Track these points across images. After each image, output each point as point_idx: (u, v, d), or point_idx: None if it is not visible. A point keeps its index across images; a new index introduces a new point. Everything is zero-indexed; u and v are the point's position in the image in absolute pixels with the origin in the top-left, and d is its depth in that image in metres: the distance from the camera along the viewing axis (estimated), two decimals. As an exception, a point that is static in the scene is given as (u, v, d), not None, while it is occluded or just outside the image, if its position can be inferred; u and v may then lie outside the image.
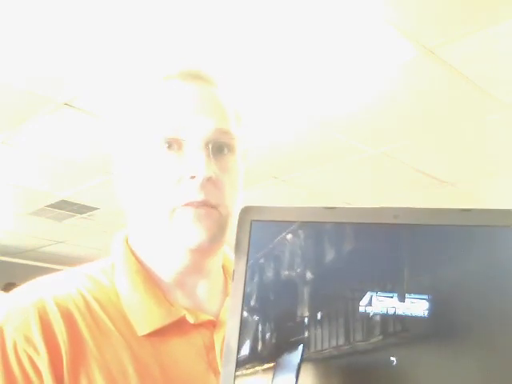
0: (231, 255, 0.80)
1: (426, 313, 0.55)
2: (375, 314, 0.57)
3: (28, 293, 0.71)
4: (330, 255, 0.61)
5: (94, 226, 5.27)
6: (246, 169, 0.79)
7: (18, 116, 3.10)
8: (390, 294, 0.56)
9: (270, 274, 0.63)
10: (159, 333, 0.71)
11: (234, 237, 0.66)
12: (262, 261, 0.63)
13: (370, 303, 0.57)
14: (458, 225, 0.56)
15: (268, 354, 0.60)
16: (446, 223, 0.57)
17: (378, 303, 0.57)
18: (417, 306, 0.55)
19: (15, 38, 2.37)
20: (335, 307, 0.59)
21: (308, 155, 3.54)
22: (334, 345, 0.58)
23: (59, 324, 0.67)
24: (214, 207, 0.71)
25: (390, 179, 3.91)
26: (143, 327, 0.71)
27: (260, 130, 3.12)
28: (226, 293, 0.81)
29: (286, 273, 0.62)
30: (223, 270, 0.83)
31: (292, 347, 0.59)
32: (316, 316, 0.59)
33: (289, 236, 0.63)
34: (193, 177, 0.69)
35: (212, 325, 0.75)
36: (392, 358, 0.55)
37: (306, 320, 0.59)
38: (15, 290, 0.73)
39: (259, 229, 0.64)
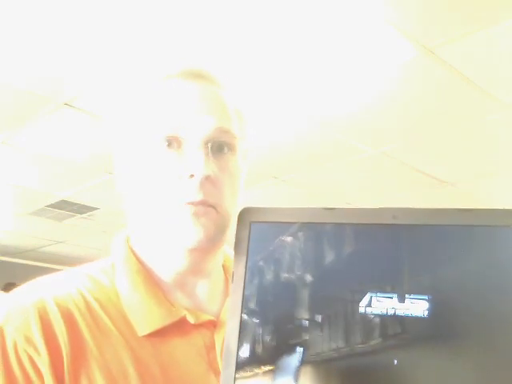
0: (232, 255, 0.80)
1: (426, 313, 0.55)
2: (375, 315, 0.56)
3: (28, 293, 0.71)
4: (329, 256, 0.61)
5: (94, 226, 5.27)
6: (246, 169, 0.79)
7: (18, 116, 3.10)
8: (390, 295, 0.56)
9: (269, 275, 0.63)
10: (159, 333, 0.71)
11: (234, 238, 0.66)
12: (261, 262, 0.63)
13: (369, 304, 0.57)
14: (458, 225, 0.56)
15: (268, 357, 0.60)
16: (446, 223, 0.57)
17: (378, 304, 0.56)
18: (417, 307, 0.55)
19: (15, 37, 2.37)
20: (335, 309, 0.59)
21: (308, 155, 3.54)
22: (333, 347, 0.58)
23: (59, 324, 0.67)
24: (212, 207, 0.70)
25: (390, 179, 3.91)
26: (143, 327, 0.71)
27: (260, 130, 3.12)
28: (226, 293, 0.80)
29: (286, 274, 0.62)
30: (224, 270, 0.83)
31: (292, 350, 0.59)
32: (316, 318, 0.59)
33: (288, 237, 0.63)
34: (192, 175, 0.69)
35: (212, 325, 0.75)
36: (392, 360, 0.55)
37: (306, 322, 0.59)
38: (15, 290, 0.73)
39: (258, 230, 0.64)
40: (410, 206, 0.59)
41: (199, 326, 0.74)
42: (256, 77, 2.62)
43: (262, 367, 0.59)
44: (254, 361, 0.60)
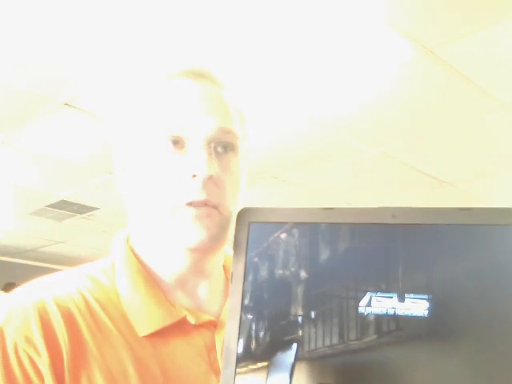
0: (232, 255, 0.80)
1: (426, 313, 0.55)
2: (375, 315, 0.56)
3: (28, 293, 0.71)
4: (328, 256, 0.61)
5: (94, 226, 5.27)
6: (247, 169, 0.79)
7: (18, 116, 3.10)
8: (390, 295, 0.56)
9: (268, 275, 0.63)
10: (160, 333, 0.71)
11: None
12: (260, 262, 0.63)
13: (369, 304, 0.57)
14: (457, 224, 0.56)
15: (268, 357, 0.59)
16: (445, 222, 0.57)
17: (378, 304, 0.56)
18: (417, 306, 0.55)
19: (15, 38, 2.37)
20: (334, 308, 0.59)
21: (308, 155, 3.54)
22: (333, 345, 0.58)
23: (60, 324, 0.67)
24: (214, 207, 0.70)
25: (390, 179, 3.91)
26: (144, 328, 0.71)
27: (260, 130, 3.12)
28: (226, 293, 0.80)
29: (285, 274, 0.62)
30: (224, 271, 0.83)
31: (289, 348, 0.59)
32: (315, 317, 0.59)
33: (287, 237, 0.63)
34: (194, 175, 0.69)
35: (213, 325, 0.75)
36: (391, 359, 0.55)
37: (305, 321, 0.59)
38: (15, 290, 0.73)
39: (257, 230, 0.64)
40: (410, 205, 0.59)
41: (200, 326, 0.74)
42: (256, 77, 2.62)
43: (263, 367, 0.59)
44: (255, 360, 0.60)
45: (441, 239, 0.57)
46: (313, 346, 0.58)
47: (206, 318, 0.74)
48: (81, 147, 3.47)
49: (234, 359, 0.60)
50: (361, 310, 0.57)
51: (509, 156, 3.44)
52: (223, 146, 0.72)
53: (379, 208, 0.59)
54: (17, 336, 0.66)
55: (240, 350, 0.61)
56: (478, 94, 2.71)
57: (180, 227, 0.70)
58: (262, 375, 0.59)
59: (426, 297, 0.55)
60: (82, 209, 4.75)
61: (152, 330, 0.71)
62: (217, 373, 0.71)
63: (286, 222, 0.63)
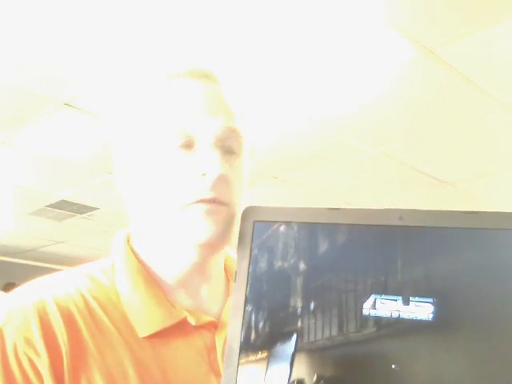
0: (233, 255, 0.80)
1: (431, 316, 0.54)
2: (379, 318, 0.56)
3: (28, 293, 0.71)
4: (333, 257, 0.60)
5: (94, 226, 5.27)
6: (250, 169, 0.79)
7: (18, 116, 3.10)
8: (394, 298, 0.56)
9: (272, 275, 0.62)
10: (160, 334, 0.71)
11: (237, 237, 0.66)
12: (264, 262, 0.63)
13: (374, 306, 0.56)
14: (464, 227, 0.56)
15: (269, 351, 0.59)
16: (452, 226, 0.56)
17: (382, 306, 0.56)
18: (421, 310, 0.55)
19: (15, 38, 2.37)
20: (339, 310, 0.58)
21: (308, 155, 3.54)
22: (335, 345, 0.57)
23: (59, 325, 0.67)
24: (224, 205, 0.71)
25: (390, 179, 3.91)
26: (144, 329, 0.71)
27: (260, 130, 3.12)
28: (227, 293, 0.80)
29: (289, 275, 0.61)
30: (225, 271, 0.82)
31: (291, 351, 0.58)
32: (320, 320, 0.59)
33: (292, 237, 0.62)
34: (204, 174, 0.69)
35: (213, 326, 0.75)
36: (395, 362, 0.54)
37: (310, 322, 0.59)
38: (15, 290, 0.73)
39: (262, 229, 0.64)
40: (410, 206, 0.58)
41: (200, 327, 0.73)
42: (256, 77, 2.62)
43: (265, 369, 0.59)
44: (257, 361, 0.59)
45: (447, 242, 0.56)
46: (314, 345, 0.58)
47: (206, 318, 0.74)
48: (81, 147, 3.47)
49: (236, 358, 0.60)
50: (365, 312, 0.56)
51: (509, 156, 3.44)
52: (229, 146, 0.73)
53: (386, 209, 0.59)
54: (16, 337, 0.65)
55: (241, 351, 0.60)
56: (478, 94, 2.71)
57: (190, 223, 0.70)
58: (261, 367, 0.59)
59: (430, 300, 0.55)
60: (81, 209, 4.75)
61: (152, 331, 0.70)
62: (217, 374, 0.71)
63: (291, 222, 0.63)
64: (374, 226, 0.59)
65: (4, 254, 6.85)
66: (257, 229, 0.64)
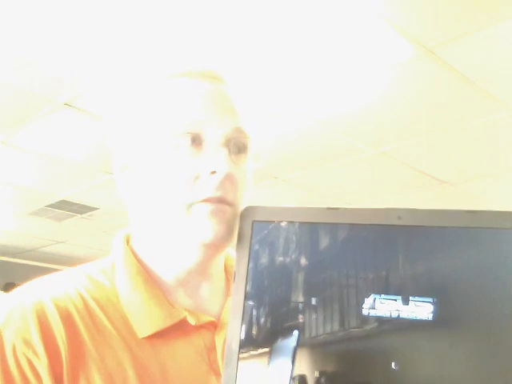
0: (233, 255, 0.80)
1: (431, 316, 0.54)
2: (379, 317, 0.56)
3: (27, 294, 0.71)
4: (332, 257, 0.60)
5: (94, 226, 5.26)
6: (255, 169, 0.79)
7: (18, 116, 3.10)
8: (394, 297, 0.56)
9: (271, 275, 0.62)
10: (160, 334, 0.70)
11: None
12: (263, 262, 0.63)
13: (373, 306, 0.56)
14: (463, 227, 0.56)
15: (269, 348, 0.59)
16: (451, 225, 0.56)
17: (382, 306, 0.56)
18: (421, 310, 0.55)
19: (15, 38, 2.37)
20: (338, 310, 0.58)
21: (308, 155, 3.54)
22: (337, 345, 0.57)
23: (58, 326, 0.67)
24: (229, 204, 0.70)
25: (389, 179, 3.91)
26: (144, 329, 0.70)
27: (260, 130, 3.12)
28: (227, 293, 0.80)
29: (289, 274, 0.61)
30: (225, 271, 0.82)
31: (293, 352, 0.58)
32: (319, 320, 0.59)
33: (291, 237, 0.62)
34: (213, 172, 0.69)
35: (213, 326, 0.74)
36: (395, 361, 0.54)
37: (309, 324, 0.59)
38: (13, 291, 0.73)
39: (261, 229, 0.64)
40: (410, 206, 0.58)
41: (200, 327, 0.73)
42: (256, 77, 2.62)
43: (266, 367, 0.59)
44: (257, 360, 0.59)
45: (446, 242, 0.56)
46: (315, 341, 0.58)
47: (206, 318, 0.74)
48: (81, 147, 3.47)
49: (235, 359, 0.60)
50: (364, 311, 0.56)
51: (509, 156, 3.44)
52: (237, 146, 0.73)
53: (385, 209, 0.59)
54: (15, 338, 0.65)
55: (241, 351, 0.60)
56: (478, 93, 2.71)
57: (196, 223, 0.69)
58: (262, 365, 0.59)
59: (430, 300, 0.54)
60: (81, 209, 4.75)
61: (152, 331, 0.70)
62: (217, 374, 0.71)
63: (291, 222, 0.63)
64: (373, 226, 0.59)
65: (4, 254, 6.85)
66: (256, 228, 0.64)
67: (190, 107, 0.71)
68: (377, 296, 0.56)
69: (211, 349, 0.73)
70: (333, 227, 0.61)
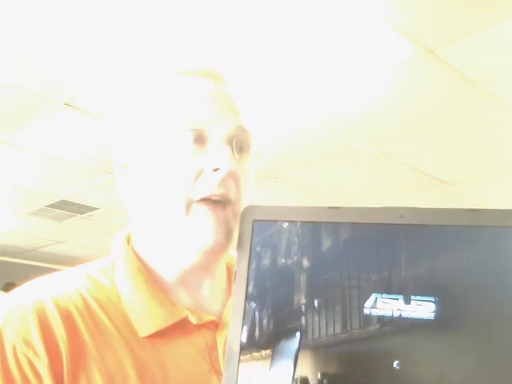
0: (234, 254, 0.80)
1: (433, 315, 0.54)
2: (380, 317, 0.56)
3: (27, 294, 0.71)
4: (333, 256, 0.60)
5: (94, 225, 5.26)
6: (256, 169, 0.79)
7: (18, 116, 3.10)
8: (396, 296, 0.55)
9: (272, 275, 0.62)
10: (161, 333, 0.70)
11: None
12: (264, 261, 0.63)
13: (374, 305, 0.56)
14: (465, 225, 0.55)
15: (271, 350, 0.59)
16: (453, 224, 0.56)
17: (383, 305, 0.56)
18: (423, 309, 0.54)
19: (15, 37, 2.37)
20: (340, 309, 0.58)
21: (308, 155, 3.54)
22: (339, 345, 0.57)
23: (59, 326, 0.67)
24: (230, 202, 0.70)
25: (389, 179, 3.91)
26: (145, 328, 0.70)
27: (260, 130, 3.11)
28: (228, 292, 0.80)
29: (290, 274, 0.61)
30: (227, 269, 0.82)
31: (294, 352, 0.58)
32: (321, 319, 0.59)
33: (292, 236, 0.62)
34: (216, 169, 0.69)
35: (214, 325, 0.74)
36: (397, 361, 0.54)
37: (310, 322, 0.59)
38: (14, 291, 0.73)
39: (262, 229, 0.63)
40: (411, 206, 0.58)
41: (201, 326, 0.73)
42: (256, 77, 2.62)
43: (267, 367, 0.59)
44: (258, 360, 0.59)
45: (448, 240, 0.56)
46: (317, 343, 0.58)
47: (207, 317, 0.74)
48: (81, 147, 3.47)
49: (236, 360, 0.60)
50: (366, 311, 0.56)
51: (509, 156, 3.44)
52: (240, 144, 0.73)
53: (386, 208, 0.58)
54: (15, 338, 0.65)
55: (242, 351, 0.60)
56: (478, 94, 2.71)
57: (195, 226, 0.69)
58: (263, 366, 0.59)
59: (432, 299, 0.54)
60: (81, 209, 4.75)
61: (153, 330, 0.70)
62: (218, 373, 0.71)
63: (292, 221, 0.62)
64: (375, 225, 0.58)
65: (4, 254, 6.85)
66: (256, 228, 0.63)
67: (192, 106, 0.71)
68: (378, 295, 0.56)
69: (212, 348, 0.73)
70: (334, 226, 0.60)
